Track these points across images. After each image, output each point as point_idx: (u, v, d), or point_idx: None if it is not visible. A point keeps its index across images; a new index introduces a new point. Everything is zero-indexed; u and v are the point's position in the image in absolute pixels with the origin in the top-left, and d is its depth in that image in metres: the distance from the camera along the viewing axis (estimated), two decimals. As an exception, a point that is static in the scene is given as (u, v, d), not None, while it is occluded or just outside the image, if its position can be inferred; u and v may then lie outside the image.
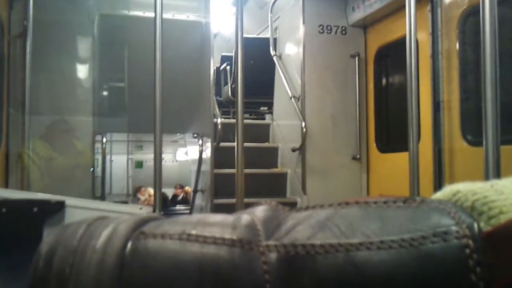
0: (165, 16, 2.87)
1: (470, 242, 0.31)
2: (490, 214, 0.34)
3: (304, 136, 4.58)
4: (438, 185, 3.77)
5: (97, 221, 0.38)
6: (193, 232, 0.35)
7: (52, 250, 0.36)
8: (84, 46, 4.24)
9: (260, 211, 0.37)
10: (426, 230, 0.32)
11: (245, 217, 0.36)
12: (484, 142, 2.65)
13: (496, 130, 2.63)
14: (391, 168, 4.41)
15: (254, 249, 0.34)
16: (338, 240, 0.32)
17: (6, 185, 3.58)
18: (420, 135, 3.63)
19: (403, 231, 0.32)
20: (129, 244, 0.35)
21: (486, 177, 2.65)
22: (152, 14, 2.84)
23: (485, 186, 0.37)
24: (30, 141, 3.73)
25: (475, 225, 0.32)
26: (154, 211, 2.63)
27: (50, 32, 3.93)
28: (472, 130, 3.54)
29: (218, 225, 0.36)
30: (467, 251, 0.31)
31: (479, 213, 0.34)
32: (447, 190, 0.38)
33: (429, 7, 3.90)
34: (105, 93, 4.46)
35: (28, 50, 3.73)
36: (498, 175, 2.61)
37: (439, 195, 0.38)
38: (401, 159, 3.71)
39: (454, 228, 0.32)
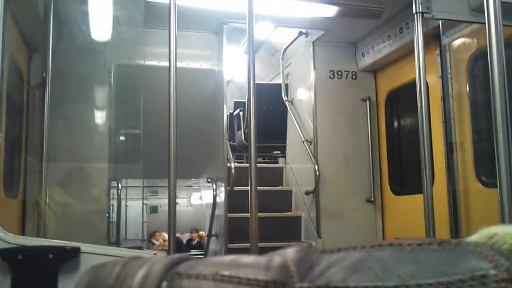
0: (179, 65, 2.95)
1: (509, 286, 0.31)
2: None
3: (317, 180, 4.58)
4: (454, 227, 3.71)
5: (132, 261, 0.39)
6: (227, 273, 0.35)
7: None
8: (100, 95, 4.36)
9: (292, 252, 0.37)
10: (464, 273, 0.31)
11: (277, 258, 0.36)
12: (498, 184, 2.63)
13: (510, 171, 2.61)
14: (406, 211, 4.36)
15: None
16: (373, 283, 0.32)
17: (23, 232, 3.60)
18: (434, 177, 3.61)
19: (439, 274, 0.32)
20: (164, 284, 0.36)
21: (502, 219, 2.62)
22: (166, 64, 2.92)
23: None
24: (47, 188, 3.78)
25: None
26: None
27: (68, 82, 4.04)
28: (487, 171, 3.51)
29: (252, 266, 0.36)
30: None
31: None
32: (484, 233, 0.37)
33: (437, 51, 3.96)
34: (121, 140, 4.54)
35: (46, 99, 3.82)
36: (514, 216, 2.58)
37: (475, 237, 0.37)
38: (416, 201, 3.67)
39: (492, 271, 0.31)
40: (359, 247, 0.36)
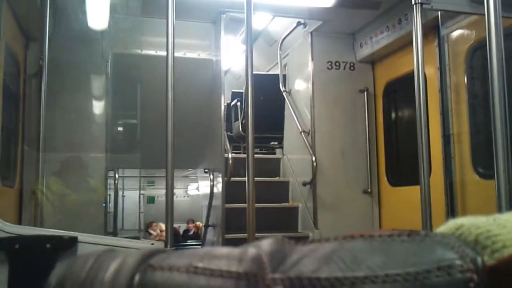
0: (176, 54, 2.93)
1: (474, 276, 0.31)
2: (494, 248, 0.34)
3: (314, 170, 4.58)
4: (450, 218, 3.72)
5: (105, 254, 0.39)
6: (200, 265, 0.35)
7: (61, 282, 0.37)
8: (97, 85, 4.33)
9: (266, 244, 0.37)
10: (431, 264, 0.32)
11: (251, 250, 0.36)
12: (495, 175, 2.64)
13: (508, 163, 2.62)
14: (403, 202, 4.37)
15: (260, 282, 0.33)
16: (344, 273, 0.32)
17: (20, 221, 3.60)
18: (431, 169, 3.61)
19: (407, 264, 0.32)
20: (137, 277, 0.36)
21: (499, 210, 2.63)
22: (164, 53, 2.90)
23: (488, 220, 0.37)
24: (44, 177, 3.77)
25: (479, 259, 0.32)
26: (165, 246, 2.63)
27: (65, 71, 4.02)
28: (484, 163, 3.52)
29: (225, 258, 0.36)
30: (471, 285, 0.31)
31: (483, 247, 0.34)
32: (451, 224, 0.38)
33: (436, 43, 3.95)
34: (118, 129, 4.53)
35: (43, 88, 3.81)
36: (511, 208, 2.59)
37: (442, 229, 0.38)
38: (412, 192, 3.68)
39: (458, 262, 0.32)
40: (331, 238, 0.36)
